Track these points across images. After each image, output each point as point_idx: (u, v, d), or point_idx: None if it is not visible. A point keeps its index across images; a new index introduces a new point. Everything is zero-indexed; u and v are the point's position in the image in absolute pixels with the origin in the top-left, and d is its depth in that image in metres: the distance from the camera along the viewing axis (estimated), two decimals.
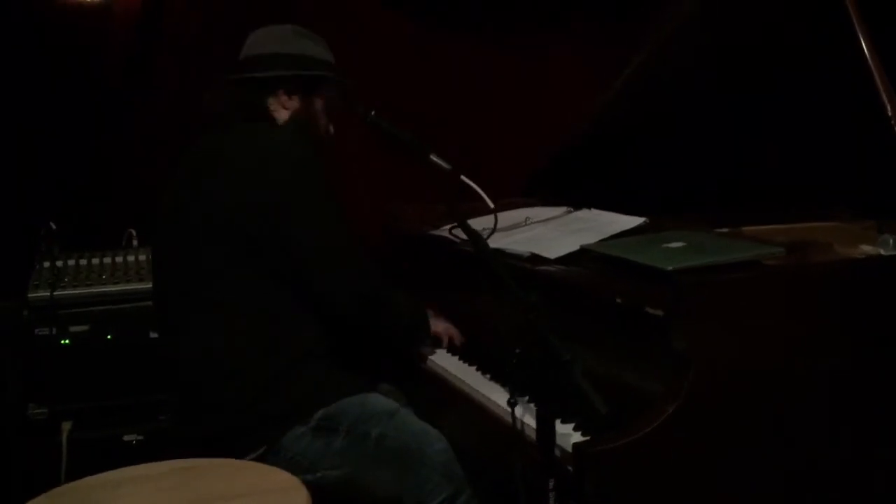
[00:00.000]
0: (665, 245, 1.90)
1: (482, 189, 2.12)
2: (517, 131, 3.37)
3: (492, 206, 2.08)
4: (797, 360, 1.51)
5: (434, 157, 2.05)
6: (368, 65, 3.16)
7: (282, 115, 2.07)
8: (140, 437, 2.44)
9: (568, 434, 1.59)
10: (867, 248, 2.33)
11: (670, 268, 1.67)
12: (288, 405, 1.85)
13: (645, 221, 2.22)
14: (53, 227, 2.65)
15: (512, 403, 1.46)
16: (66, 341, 2.44)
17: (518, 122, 3.37)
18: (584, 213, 2.45)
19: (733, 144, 2.53)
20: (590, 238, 2.12)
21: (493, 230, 2.10)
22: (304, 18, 2.94)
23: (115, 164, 2.91)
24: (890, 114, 1.87)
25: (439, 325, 2.25)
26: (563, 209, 2.54)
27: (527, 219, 2.47)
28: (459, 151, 3.33)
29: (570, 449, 1.49)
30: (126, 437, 2.44)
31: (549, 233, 2.26)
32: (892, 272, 1.77)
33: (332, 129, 2.17)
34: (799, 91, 2.24)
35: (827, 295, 1.61)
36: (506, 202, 2.69)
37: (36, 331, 2.42)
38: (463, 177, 2.06)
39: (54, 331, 2.42)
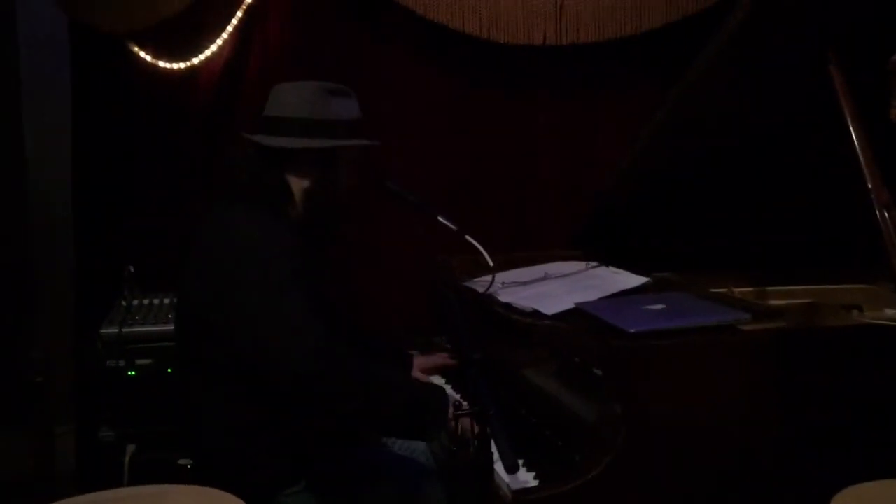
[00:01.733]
0: (646, 307, 2.03)
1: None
2: (567, 185, 3.51)
3: (491, 264, 2.25)
4: (733, 427, 1.61)
5: (441, 219, 2.23)
6: (419, 121, 3.44)
7: (302, 183, 2.12)
8: (193, 462, 2.71)
9: (526, 482, 1.75)
10: (891, 313, 2.37)
11: (633, 330, 1.81)
12: (280, 470, 1.97)
13: (648, 281, 2.34)
14: (132, 269, 3.01)
15: (451, 450, 1.63)
16: (133, 373, 2.76)
17: (568, 176, 3.51)
18: (600, 271, 2.59)
19: (757, 204, 2.61)
20: (592, 296, 2.26)
21: (491, 284, 2.30)
22: (367, 84, 3.26)
23: (194, 214, 3.23)
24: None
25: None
26: (583, 265, 2.69)
27: (545, 274, 2.63)
28: (511, 204, 3.57)
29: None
30: (181, 461, 2.70)
31: (557, 289, 2.41)
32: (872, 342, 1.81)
33: (356, 184, 2.18)
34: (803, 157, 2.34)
35: (771, 363, 1.68)
36: (540, 254, 2.87)
37: (107, 363, 2.75)
38: (467, 236, 2.23)
39: (122, 363, 2.75)
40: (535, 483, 1.72)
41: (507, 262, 2.69)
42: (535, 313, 2.20)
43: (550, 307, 2.20)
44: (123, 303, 2.96)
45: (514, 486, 1.68)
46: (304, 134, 2.11)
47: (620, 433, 1.56)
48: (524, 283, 2.53)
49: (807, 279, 2.56)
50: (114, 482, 2.67)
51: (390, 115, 3.31)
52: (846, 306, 2.44)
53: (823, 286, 2.56)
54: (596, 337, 1.72)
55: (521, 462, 1.86)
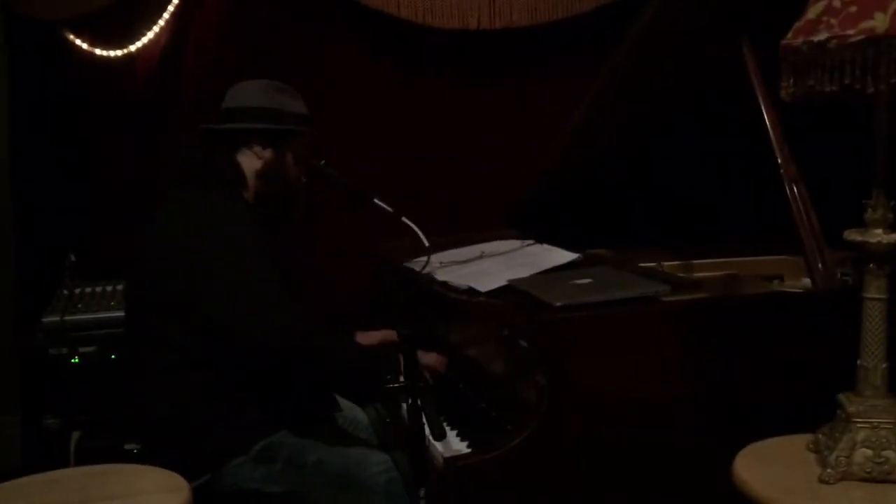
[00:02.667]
0: (573, 282, 2.11)
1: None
2: (504, 168, 3.59)
3: (426, 244, 2.32)
4: (653, 394, 1.70)
5: (377, 201, 2.30)
6: (355, 107, 3.48)
7: (254, 165, 2.24)
8: (138, 447, 2.73)
9: (459, 450, 1.83)
10: (808, 282, 2.50)
11: (558, 303, 1.89)
12: (228, 440, 2.04)
13: (579, 257, 2.43)
14: (73, 258, 3.01)
15: (385, 422, 1.70)
16: (76, 360, 2.77)
17: (505, 159, 3.59)
18: (534, 249, 2.67)
19: (681, 182, 2.71)
20: (524, 272, 2.34)
21: (426, 263, 2.38)
22: (303, 70, 3.31)
23: (134, 201, 3.25)
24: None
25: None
26: (519, 243, 2.77)
27: (482, 253, 2.70)
28: (448, 188, 3.64)
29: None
30: (126, 446, 2.73)
31: (492, 267, 2.48)
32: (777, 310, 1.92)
33: (303, 178, 2.33)
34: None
35: (689, 331, 1.78)
36: (477, 236, 2.94)
37: (50, 350, 2.76)
38: (403, 218, 2.30)
39: (65, 351, 2.76)
40: (467, 451, 1.80)
41: (445, 244, 2.77)
42: (471, 290, 2.27)
43: (485, 284, 2.27)
44: (66, 291, 2.97)
45: (447, 454, 1.76)
46: (255, 120, 2.25)
47: (544, 402, 1.65)
48: (462, 262, 2.60)
49: (734, 252, 2.69)
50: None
51: (326, 101, 3.35)
52: (767, 277, 2.57)
53: (748, 258, 2.69)
54: (522, 311, 1.80)
55: (455, 433, 1.94)
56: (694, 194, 2.70)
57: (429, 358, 2.30)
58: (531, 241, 2.76)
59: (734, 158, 2.45)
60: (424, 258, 2.49)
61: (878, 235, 1.36)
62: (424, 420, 1.55)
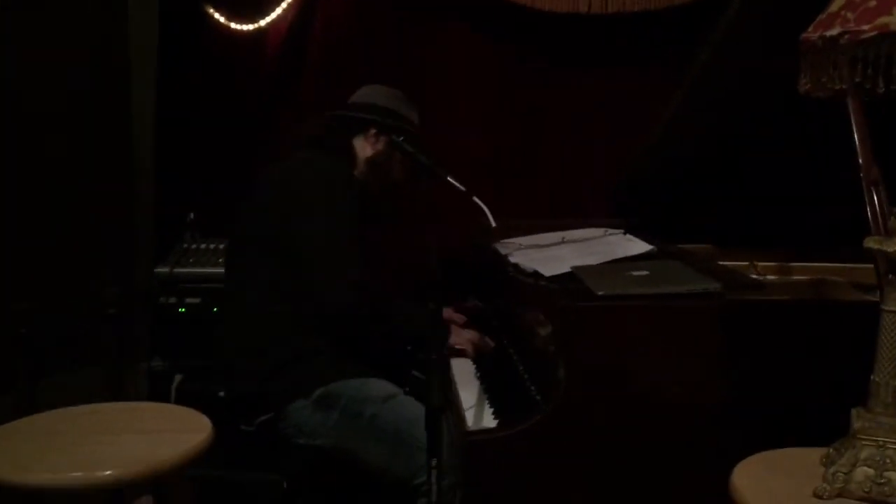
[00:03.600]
0: (630, 272, 2.09)
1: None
2: (616, 156, 3.52)
3: (494, 224, 2.36)
4: (668, 392, 1.68)
5: (450, 179, 2.36)
6: (465, 91, 3.54)
7: (366, 151, 2.49)
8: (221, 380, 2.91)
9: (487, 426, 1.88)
10: None
11: (601, 292, 1.89)
12: (293, 381, 2.20)
13: (652, 249, 2.39)
14: (192, 216, 3.27)
15: (407, 392, 1.76)
16: (183, 310, 3.02)
17: (617, 147, 3.52)
18: (613, 238, 2.65)
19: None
20: (594, 260, 2.33)
21: (493, 240, 2.51)
22: (416, 54, 3.41)
23: (253, 168, 3.45)
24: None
25: (462, 337, 2.46)
26: (602, 231, 2.75)
27: (563, 239, 2.70)
28: (559, 174, 3.62)
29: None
30: (220, 394, 2.95)
31: (566, 254, 2.49)
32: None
33: (403, 176, 2.54)
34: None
35: (719, 332, 1.73)
36: (579, 222, 2.93)
37: (160, 299, 3.02)
38: (474, 197, 2.35)
39: (173, 300, 3.01)
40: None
41: (533, 227, 2.80)
42: (535, 273, 2.29)
43: (551, 269, 2.28)
44: (184, 245, 3.23)
45: (473, 428, 1.82)
46: (382, 116, 2.51)
47: (560, 389, 1.66)
48: (541, 247, 2.62)
49: (851, 258, 2.54)
50: None
51: (441, 82, 3.43)
52: (864, 286, 2.42)
53: (860, 265, 2.53)
54: (552, 295, 1.81)
55: (492, 411, 1.99)
56: (791, 192, 2.58)
57: (464, 335, 2.43)
58: (616, 231, 2.73)
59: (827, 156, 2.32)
60: (515, 240, 2.60)
61: None
62: (431, 387, 1.59)
